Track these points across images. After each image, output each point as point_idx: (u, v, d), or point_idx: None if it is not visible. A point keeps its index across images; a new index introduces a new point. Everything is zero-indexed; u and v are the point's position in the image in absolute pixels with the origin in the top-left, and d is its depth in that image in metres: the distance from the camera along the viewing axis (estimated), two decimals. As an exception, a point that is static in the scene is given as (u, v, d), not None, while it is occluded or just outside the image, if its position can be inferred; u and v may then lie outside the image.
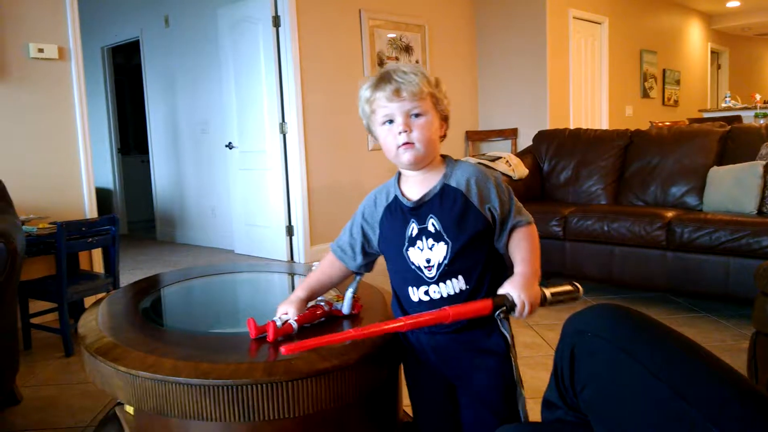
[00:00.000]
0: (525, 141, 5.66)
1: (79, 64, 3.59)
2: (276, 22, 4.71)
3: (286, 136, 4.80)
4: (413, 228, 1.27)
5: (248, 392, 1.16)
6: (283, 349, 1.09)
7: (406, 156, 1.24)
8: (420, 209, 1.27)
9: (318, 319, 1.41)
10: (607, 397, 0.86)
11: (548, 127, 5.80)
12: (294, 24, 4.68)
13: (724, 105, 8.46)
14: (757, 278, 2.02)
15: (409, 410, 1.60)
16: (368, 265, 1.42)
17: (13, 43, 3.32)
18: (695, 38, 9.63)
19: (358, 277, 1.45)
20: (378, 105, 1.25)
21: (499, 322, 1.24)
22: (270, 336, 1.29)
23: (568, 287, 1.28)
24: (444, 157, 1.33)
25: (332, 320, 1.44)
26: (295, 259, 4.90)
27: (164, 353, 1.27)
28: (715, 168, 3.43)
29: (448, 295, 1.25)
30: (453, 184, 1.26)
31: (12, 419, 2.20)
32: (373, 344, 1.30)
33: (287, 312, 1.34)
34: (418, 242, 1.26)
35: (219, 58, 5.29)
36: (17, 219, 2.35)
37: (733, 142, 3.56)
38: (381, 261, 1.42)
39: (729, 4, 9.37)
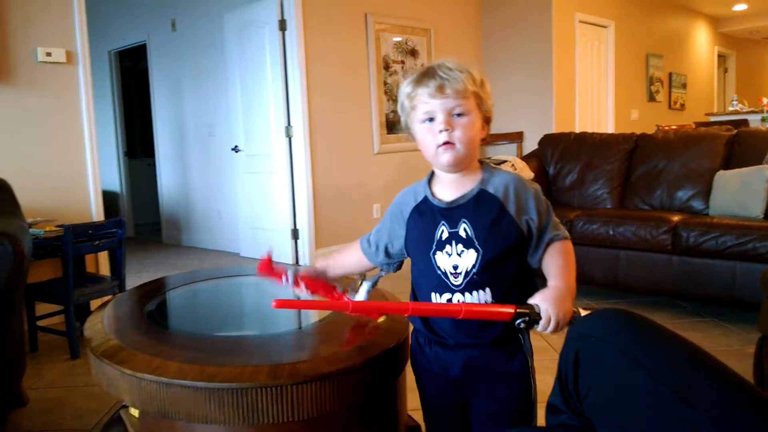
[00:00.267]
0: (530, 145, 5.64)
1: (87, 68, 3.61)
2: (282, 25, 4.73)
3: (292, 139, 4.81)
4: (443, 231, 1.20)
5: (253, 395, 1.16)
6: (274, 303, 1.08)
7: (446, 156, 1.17)
8: (452, 211, 1.20)
9: (318, 293, 1.38)
10: (611, 400, 0.85)
11: (554, 130, 5.78)
12: (300, 28, 4.70)
13: (730, 109, 8.43)
14: (763, 282, 2.01)
15: (414, 414, 1.60)
16: (392, 265, 1.36)
17: (21, 47, 3.35)
18: (702, 42, 9.59)
19: (381, 273, 1.39)
20: (419, 101, 1.18)
21: (520, 335, 1.17)
22: (259, 266, 1.31)
23: None
24: (481, 162, 1.26)
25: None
26: (301, 262, 4.91)
27: (169, 356, 1.28)
28: (721, 172, 3.42)
29: None
30: (491, 190, 1.20)
31: (18, 421, 2.21)
32: (378, 349, 1.30)
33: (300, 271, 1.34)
34: (447, 246, 1.19)
35: (225, 62, 5.31)
36: (24, 222, 2.36)
37: (739, 146, 3.55)
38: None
39: (736, 8, 9.33)
